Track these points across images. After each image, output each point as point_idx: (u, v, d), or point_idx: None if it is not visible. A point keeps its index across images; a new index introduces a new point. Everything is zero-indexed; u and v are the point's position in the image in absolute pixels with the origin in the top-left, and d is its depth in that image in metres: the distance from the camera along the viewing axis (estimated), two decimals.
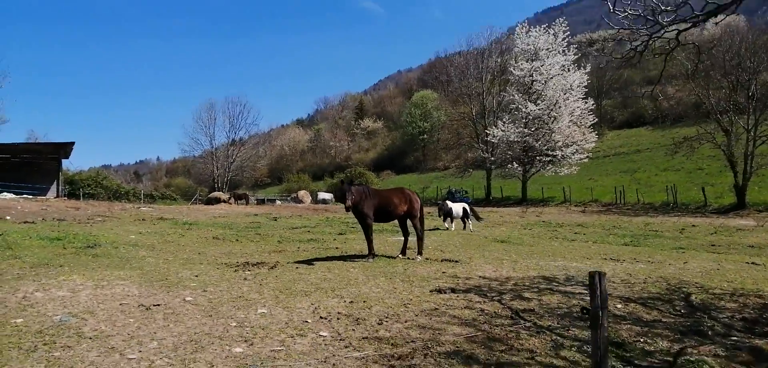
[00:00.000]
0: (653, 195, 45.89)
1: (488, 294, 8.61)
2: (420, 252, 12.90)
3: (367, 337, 6.12)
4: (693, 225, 27.57)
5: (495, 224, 27.64)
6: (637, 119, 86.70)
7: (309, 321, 6.77)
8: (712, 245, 19.12)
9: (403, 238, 13.57)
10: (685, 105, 67.31)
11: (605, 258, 13.86)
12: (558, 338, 6.42)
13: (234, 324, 6.53)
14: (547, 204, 50.69)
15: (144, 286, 8.70)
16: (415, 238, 13.17)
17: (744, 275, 11.46)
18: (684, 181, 48.49)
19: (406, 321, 6.82)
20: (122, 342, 5.71)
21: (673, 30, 7.80)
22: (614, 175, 59.49)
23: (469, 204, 29.76)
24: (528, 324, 6.93)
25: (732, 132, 39.43)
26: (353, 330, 6.41)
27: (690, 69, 37.52)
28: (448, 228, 22.30)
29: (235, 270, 10.60)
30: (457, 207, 22.94)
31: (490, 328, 6.68)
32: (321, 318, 6.93)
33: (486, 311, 7.50)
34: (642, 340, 6.49)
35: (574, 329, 6.83)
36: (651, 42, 7.59)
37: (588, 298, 8.83)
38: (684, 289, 9.66)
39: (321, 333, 6.23)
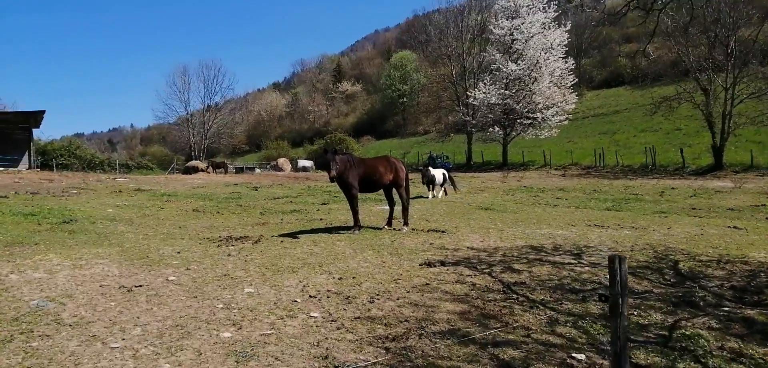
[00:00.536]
0: (632, 158, 46.32)
1: (478, 267, 8.51)
2: (406, 223, 12.76)
3: (359, 317, 5.96)
4: (672, 188, 27.91)
5: (477, 190, 27.66)
6: (616, 78, 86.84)
7: (298, 300, 6.58)
8: (693, 208, 19.34)
9: (388, 208, 13.39)
10: (664, 63, 67.70)
11: (589, 225, 13.89)
12: (552, 313, 6.33)
13: (220, 305, 6.32)
14: (527, 168, 50.93)
15: (124, 265, 8.41)
16: (401, 208, 13.01)
17: (727, 240, 11.56)
18: (662, 141, 48.96)
19: (397, 299, 6.68)
20: (104, 329, 5.46)
21: None
22: (593, 137, 59.85)
23: (448, 169, 29.66)
24: (521, 299, 6.84)
25: (711, 91, 39.65)
26: (344, 309, 6.24)
27: (672, 25, 37.40)
28: (433, 197, 22.11)
29: (219, 246, 10.34)
30: (439, 174, 22.75)
31: (483, 304, 6.57)
32: (310, 296, 6.75)
33: (477, 285, 7.38)
34: (635, 313, 6.43)
35: (566, 303, 6.75)
36: None
37: (578, 269, 8.84)
38: (671, 256, 9.69)
39: (311, 313, 6.05)
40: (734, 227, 13.76)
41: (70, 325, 5.55)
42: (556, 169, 47.52)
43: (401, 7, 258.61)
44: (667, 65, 62.55)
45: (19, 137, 41.15)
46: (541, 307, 6.53)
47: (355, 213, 12.28)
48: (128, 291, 6.88)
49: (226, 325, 5.64)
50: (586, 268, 8.59)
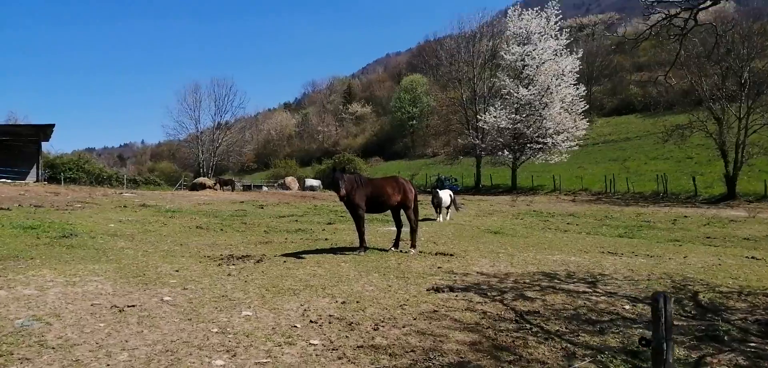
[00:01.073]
0: (643, 185, 45.73)
1: (489, 294, 8.10)
2: (414, 245, 12.37)
3: (362, 346, 5.57)
4: (685, 216, 27.35)
5: (486, 213, 27.23)
6: (627, 106, 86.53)
7: (298, 325, 6.20)
8: (708, 237, 18.83)
9: (395, 230, 13.00)
10: (675, 92, 67.27)
11: (603, 252, 13.44)
12: (568, 345, 5.92)
13: (215, 329, 5.95)
14: (536, 192, 50.40)
15: (119, 283, 8.07)
16: (409, 230, 12.64)
17: (746, 270, 11.10)
18: (673, 170, 48.38)
19: (404, 326, 6.28)
20: (89, 353, 5.11)
21: (688, 8, 7.28)
22: (604, 163, 59.31)
23: (455, 191, 29.29)
24: (534, 329, 6.43)
25: (724, 120, 39.21)
26: (347, 337, 5.85)
27: (685, 55, 37.03)
28: (442, 219, 21.58)
29: (219, 264, 10.00)
30: (446, 196, 22.25)
31: (495, 334, 6.16)
32: (311, 322, 6.37)
33: (488, 313, 6.98)
34: None
35: (583, 335, 6.33)
36: (666, 21, 7.05)
37: (594, 299, 8.41)
38: (690, 287, 9.24)
39: (311, 341, 5.67)
40: (752, 258, 13.28)
41: (53, 348, 5.20)
42: (565, 194, 46.97)
43: (413, 33, 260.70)
44: (679, 94, 62.15)
45: (28, 150, 41.26)
46: (556, 339, 6.12)
47: (362, 234, 11.92)
48: (120, 311, 6.53)
49: (219, 352, 5.27)
50: (603, 298, 8.16)
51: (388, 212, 13.11)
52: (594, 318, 7.08)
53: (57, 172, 46.21)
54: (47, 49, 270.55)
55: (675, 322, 7.06)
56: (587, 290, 8.68)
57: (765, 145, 38.64)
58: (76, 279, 8.22)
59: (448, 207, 22.22)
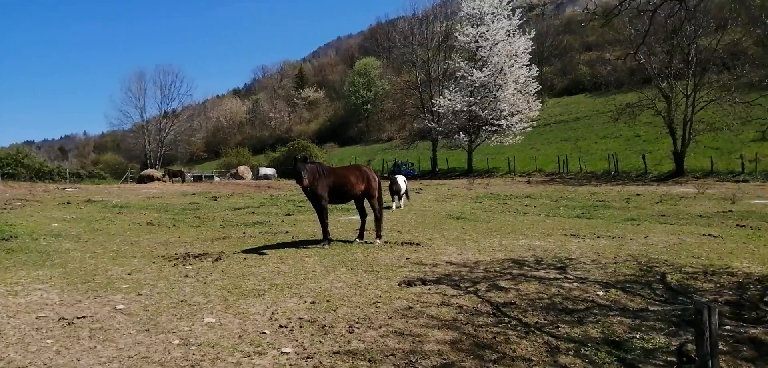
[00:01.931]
0: (595, 164, 46.79)
1: (461, 285, 7.86)
2: (379, 236, 12.05)
3: (338, 352, 5.21)
4: (637, 194, 27.99)
5: (445, 198, 27.18)
6: (576, 86, 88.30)
7: (266, 331, 5.79)
8: (662, 215, 19.21)
9: (358, 219, 12.65)
10: (623, 71, 68.97)
11: (565, 234, 13.46)
12: (550, 339, 5.72)
13: (176, 341, 5.47)
14: (492, 175, 50.92)
15: (66, 291, 7.45)
16: (373, 219, 12.31)
17: (706, 249, 11.26)
18: (624, 148, 49.68)
19: (380, 327, 5.95)
20: None
21: None
22: (556, 144, 60.43)
23: (413, 176, 29.12)
24: (513, 323, 6.21)
25: (672, 98, 40.31)
26: (321, 342, 5.48)
27: (634, 33, 37.82)
28: (397, 207, 21.19)
29: (174, 265, 9.43)
30: (402, 182, 21.81)
31: (474, 330, 5.91)
32: (280, 326, 5.96)
33: (464, 307, 6.73)
34: (638, 336, 5.88)
35: (562, 325, 6.16)
36: None
37: (566, 286, 8.30)
38: (656, 269, 9.27)
39: (283, 349, 5.27)
40: (709, 235, 13.53)
41: None
42: (520, 176, 47.60)
43: (364, 15, 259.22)
44: (627, 73, 63.75)
45: None
46: (537, 332, 5.91)
47: (325, 227, 11.51)
48: (69, 324, 5.96)
49: (182, 367, 4.82)
50: (575, 284, 8.05)
51: (351, 202, 12.74)
52: (570, 307, 6.93)
53: None
54: None
55: (649, 308, 7.01)
56: (558, 276, 8.56)
57: (711, 121, 39.96)
58: (18, 288, 7.55)
59: (404, 193, 21.85)
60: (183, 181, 50.00)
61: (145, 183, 44.78)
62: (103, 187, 36.85)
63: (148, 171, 54.56)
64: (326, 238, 11.43)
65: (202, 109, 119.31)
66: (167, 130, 78.87)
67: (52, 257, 10.15)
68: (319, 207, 11.42)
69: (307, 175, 10.84)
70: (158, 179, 47.61)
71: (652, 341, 5.77)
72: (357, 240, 12.10)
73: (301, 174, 10.73)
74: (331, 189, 11.46)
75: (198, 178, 58.96)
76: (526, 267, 9.21)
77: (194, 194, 29.43)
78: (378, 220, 12.16)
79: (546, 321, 6.29)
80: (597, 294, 7.50)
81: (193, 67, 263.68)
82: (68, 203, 22.07)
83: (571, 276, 8.55)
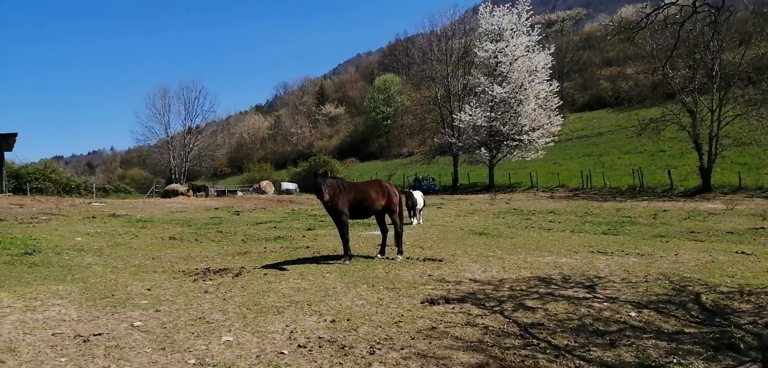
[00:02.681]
0: (619, 179, 46.01)
1: (486, 304, 7.60)
2: (400, 251, 11.83)
3: None
4: (664, 210, 27.36)
5: (467, 213, 26.85)
6: (598, 101, 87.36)
7: (285, 351, 5.60)
8: (691, 232, 18.68)
9: (380, 234, 12.44)
10: (644, 86, 68.01)
11: (592, 251, 13.09)
12: (582, 363, 5.44)
13: (192, 360, 5.31)
14: (514, 190, 50.35)
15: (85, 307, 7.36)
16: (394, 235, 12.10)
17: (740, 267, 10.84)
18: (648, 163, 48.79)
19: (402, 348, 5.72)
20: None
21: None
22: (578, 159, 59.65)
23: (434, 191, 28.55)
24: (542, 345, 5.94)
25: (697, 113, 39.55)
26: (340, 363, 5.27)
27: (657, 48, 37.26)
28: (417, 223, 20.71)
29: (195, 280, 9.32)
30: (420, 198, 21.28)
31: (502, 353, 5.65)
32: (299, 346, 5.77)
33: (490, 328, 6.47)
34: (675, 361, 5.57)
35: (594, 349, 5.86)
36: (663, 10, 6.66)
37: (596, 306, 7.96)
38: (690, 288, 8.89)
39: None
40: (742, 253, 13.05)
41: None
42: (543, 191, 46.99)
43: (384, 32, 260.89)
44: (649, 88, 62.83)
45: None
46: (567, 355, 5.63)
47: (346, 242, 11.33)
48: (84, 341, 5.84)
49: None
50: (605, 304, 7.73)
51: (371, 217, 12.55)
52: (601, 328, 6.62)
53: (22, 183, 44.55)
54: (12, 56, 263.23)
55: (685, 330, 6.66)
56: (587, 296, 8.25)
57: (737, 136, 39.09)
58: (37, 303, 7.48)
59: (421, 210, 21.40)
60: (207, 195, 50.35)
61: (170, 197, 45.15)
62: (129, 202, 37.22)
63: (173, 186, 55.07)
64: (347, 254, 11.25)
65: (226, 125, 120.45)
66: (191, 146, 79.62)
67: (73, 272, 10.11)
68: (340, 223, 11.25)
69: (328, 190, 10.73)
70: (182, 194, 47.99)
71: (691, 366, 5.46)
72: (378, 255, 11.89)
73: (322, 189, 10.61)
74: (352, 205, 11.32)
75: (221, 193, 59.36)
76: (554, 286, 8.91)
77: (217, 209, 29.52)
78: (398, 236, 11.95)
79: (576, 344, 6.00)
80: (629, 315, 7.18)
81: (216, 84, 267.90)
82: (93, 217, 22.25)
83: (600, 296, 8.23)
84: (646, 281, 9.35)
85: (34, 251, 12.17)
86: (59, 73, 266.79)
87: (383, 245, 12.11)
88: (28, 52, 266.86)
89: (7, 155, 43.16)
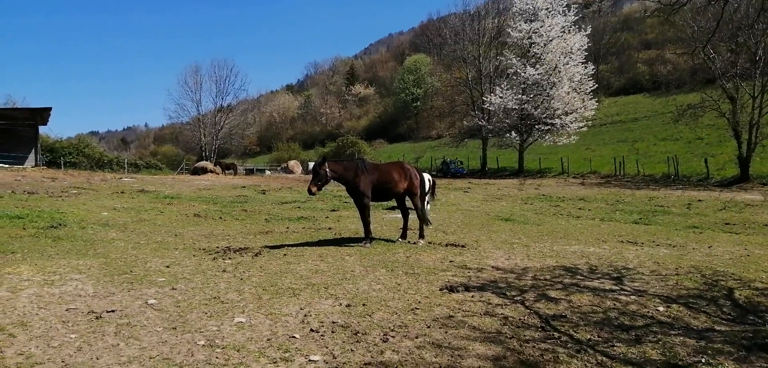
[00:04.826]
0: (653, 167, 44.84)
1: (508, 293, 7.36)
2: (422, 236, 11.63)
3: (369, 363, 4.84)
4: (699, 200, 26.51)
5: (494, 198, 26.45)
6: (634, 85, 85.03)
7: (297, 335, 5.47)
8: (727, 224, 18.02)
9: (402, 219, 12.26)
10: (684, 70, 65.97)
11: (622, 241, 12.69)
12: (604, 358, 5.18)
13: (202, 341, 5.22)
14: (544, 175, 49.54)
15: (102, 282, 7.37)
16: (417, 218, 11.91)
17: None
18: (684, 151, 47.42)
19: (416, 336, 5.54)
20: None
21: None
22: (612, 145, 58.33)
23: (462, 174, 27.46)
24: (563, 338, 5.69)
25: (737, 99, 38.14)
26: (352, 350, 5.12)
27: (698, 31, 35.88)
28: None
29: (214, 258, 9.29)
30: (428, 182, 20.61)
31: (520, 345, 5.42)
32: (312, 330, 5.64)
33: (510, 319, 6.24)
34: (703, 361, 5.27)
35: (618, 344, 5.59)
36: None
37: (623, 299, 7.64)
38: (722, 283, 8.50)
39: (311, 356, 4.94)
40: None
41: None
42: (574, 177, 46.11)
43: (416, 11, 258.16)
44: (688, 72, 60.87)
45: (25, 134, 40.59)
46: (589, 351, 5.38)
47: (367, 225, 11.17)
48: (97, 318, 5.81)
49: None
50: (632, 297, 7.41)
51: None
52: (627, 322, 6.33)
53: (56, 157, 45.60)
54: (54, 33, 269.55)
55: (715, 328, 6.33)
56: (614, 287, 7.94)
57: None
58: (55, 277, 7.52)
59: (428, 192, 20.73)
60: (235, 173, 50.85)
61: (199, 174, 45.70)
62: (158, 178, 37.76)
63: (202, 163, 55.75)
64: (368, 237, 11.10)
65: (256, 104, 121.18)
66: (222, 124, 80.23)
67: (95, 246, 10.19)
68: (362, 205, 11.09)
69: (320, 181, 10.63)
70: (211, 171, 48.54)
71: (721, 367, 5.16)
72: (399, 240, 11.71)
73: (315, 176, 10.60)
74: (375, 187, 11.13)
75: (250, 171, 59.92)
76: (579, 276, 8.61)
77: (244, 187, 29.71)
78: (422, 219, 11.74)
79: (600, 339, 5.74)
80: (657, 310, 6.87)
81: (248, 62, 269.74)
82: (122, 192, 22.57)
83: (628, 288, 7.92)
84: (676, 274, 8.97)
85: (60, 225, 12.33)
86: (98, 48, 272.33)
87: (405, 229, 11.92)
88: (68, 31, 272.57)
89: (42, 129, 44.19)
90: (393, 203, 13.50)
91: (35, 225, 12.07)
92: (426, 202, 15.06)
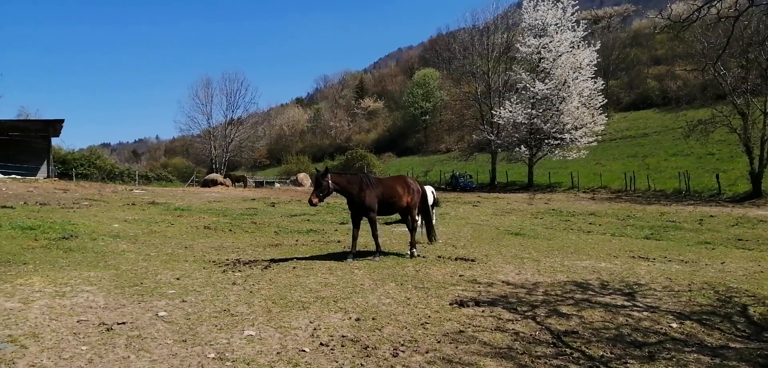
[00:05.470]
0: (664, 182, 44.55)
1: (518, 309, 7.31)
2: (412, 248, 11.59)
3: None
4: (711, 216, 26.27)
5: (504, 212, 26.35)
6: (644, 101, 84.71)
7: (306, 350, 5.46)
8: (740, 240, 17.83)
9: (409, 233, 12.20)
10: (694, 86, 65.68)
11: (634, 257, 12.59)
12: None
13: (212, 354, 5.22)
14: (554, 190, 49.33)
15: (112, 294, 7.39)
16: (424, 230, 11.91)
17: None
18: (695, 166, 47.09)
19: (427, 352, 5.51)
20: None
21: None
22: (622, 160, 58.03)
23: (471, 189, 27.11)
24: (575, 355, 5.63)
25: (748, 115, 37.90)
26: (362, 365, 5.09)
27: (709, 46, 35.74)
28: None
29: (224, 271, 9.30)
30: (431, 195, 20.27)
31: (532, 361, 5.37)
32: (321, 344, 5.62)
33: (521, 334, 6.19)
34: None
35: (631, 361, 5.53)
36: (716, 3, 6.22)
37: (635, 315, 7.57)
38: (736, 299, 8.40)
39: None
40: None
41: None
42: (584, 192, 45.89)
43: (425, 26, 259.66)
44: (698, 88, 60.58)
45: (38, 145, 41.00)
46: (602, 367, 5.33)
47: (376, 238, 11.14)
48: (108, 330, 5.82)
49: None
50: (645, 314, 7.34)
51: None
52: (640, 339, 6.27)
53: (68, 168, 45.99)
54: (65, 46, 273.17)
55: (730, 345, 6.24)
56: (626, 303, 7.86)
57: None
58: (67, 289, 7.55)
59: (432, 206, 20.43)
60: (245, 186, 51.04)
61: (209, 187, 45.91)
62: (169, 190, 37.96)
63: (212, 175, 56.03)
64: (378, 250, 11.08)
65: (266, 117, 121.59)
66: (232, 137, 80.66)
67: (106, 258, 10.24)
68: (370, 219, 11.03)
69: (321, 193, 10.66)
70: (221, 183, 48.75)
71: None
72: (408, 252, 11.68)
73: (317, 188, 10.63)
74: (380, 201, 11.09)
75: (259, 184, 60.08)
76: (591, 292, 8.54)
77: (254, 199, 29.79)
78: (412, 231, 11.78)
79: (612, 355, 5.68)
80: (670, 326, 6.79)
81: (258, 77, 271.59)
82: (133, 204, 22.69)
83: (640, 304, 7.84)
84: (689, 290, 8.88)
85: (71, 236, 12.40)
86: (110, 60, 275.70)
87: (412, 242, 11.88)
88: (81, 45, 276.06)
89: (55, 141, 44.58)
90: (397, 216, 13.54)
91: (47, 237, 12.14)
92: (432, 216, 15.11)
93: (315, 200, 10.62)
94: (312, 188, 11.68)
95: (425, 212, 12.17)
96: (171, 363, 4.95)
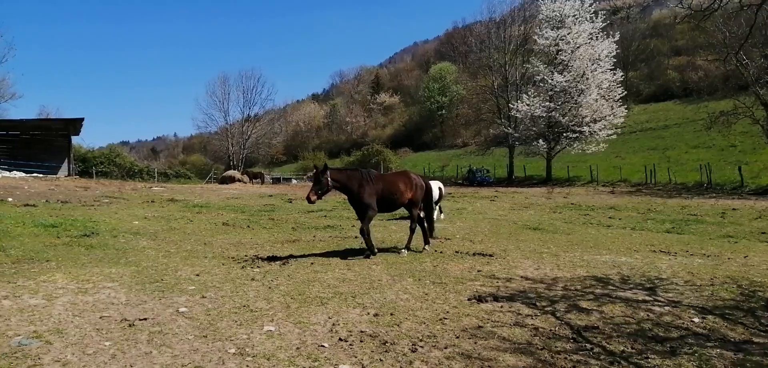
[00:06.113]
0: (685, 175, 43.97)
1: (538, 304, 7.26)
2: (407, 246, 11.50)
3: None
4: (734, 209, 25.87)
5: (522, 207, 26.20)
6: (665, 92, 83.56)
7: (325, 345, 5.48)
8: (763, 233, 17.52)
9: (420, 229, 12.10)
10: (715, 77, 64.61)
11: (654, 251, 12.44)
12: None
13: (232, 350, 5.27)
14: (573, 184, 48.92)
15: (134, 290, 7.48)
16: (428, 225, 11.85)
17: None
18: (716, 159, 46.40)
19: (445, 347, 5.50)
20: None
21: None
22: (642, 153, 57.37)
23: (488, 183, 26.86)
24: (596, 350, 5.58)
25: None
26: (381, 360, 5.10)
27: (731, 37, 35.16)
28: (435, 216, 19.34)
29: (243, 267, 9.38)
30: (436, 189, 19.47)
31: (552, 357, 5.34)
32: (340, 339, 5.64)
33: (541, 330, 6.15)
34: None
35: (653, 356, 5.46)
36: None
37: (656, 310, 7.48)
38: (760, 294, 8.26)
39: (340, 366, 4.93)
40: None
41: None
42: (603, 186, 45.45)
43: (441, 19, 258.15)
44: (720, 79, 59.61)
45: (59, 144, 41.63)
46: (622, 362, 5.27)
47: (368, 237, 10.83)
48: (130, 325, 5.90)
49: None
50: (666, 308, 7.25)
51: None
52: (661, 334, 6.19)
53: (89, 166, 46.66)
54: (85, 45, 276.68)
55: (754, 340, 6.14)
56: (647, 298, 7.77)
57: None
58: (89, 285, 7.66)
59: (437, 202, 19.75)
60: (262, 182, 51.38)
61: (227, 184, 46.27)
62: (188, 187, 38.33)
63: (230, 172, 56.44)
64: (371, 249, 10.73)
65: (283, 113, 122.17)
66: (249, 133, 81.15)
67: (127, 255, 10.37)
68: (365, 217, 10.74)
69: (319, 190, 10.35)
70: (239, 180, 49.11)
71: None
72: (425, 247, 11.64)
73: (315, 184, 10.36)
74: (380, 197, 10.87)
75: (276, 180, 60.44)
76: (611, 287, 8.46)
77: (271, 196, 29.98)
78: (412, 230, 11.71)
79: (633, 350, 5.62)
80: (692, 321, 6.70)
81: (275, 71, 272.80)
82: (152, 201, 22.95)
83: (661, 299, 7.74)
84: (711, 284, 8.75)
85: (93, 233, 12.58)
86: (128, 58, 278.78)
87: (425, 236, 11.82)
88: (100, 43, 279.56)
89: (75, 139, 45.24)
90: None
91: (68, 234, 12.34)
92: (436, 211, 14.93)
93: (313, 197, 10.33)
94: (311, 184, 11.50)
95: (427, 207, 11.96)
96: (192, 359, 5.00)
